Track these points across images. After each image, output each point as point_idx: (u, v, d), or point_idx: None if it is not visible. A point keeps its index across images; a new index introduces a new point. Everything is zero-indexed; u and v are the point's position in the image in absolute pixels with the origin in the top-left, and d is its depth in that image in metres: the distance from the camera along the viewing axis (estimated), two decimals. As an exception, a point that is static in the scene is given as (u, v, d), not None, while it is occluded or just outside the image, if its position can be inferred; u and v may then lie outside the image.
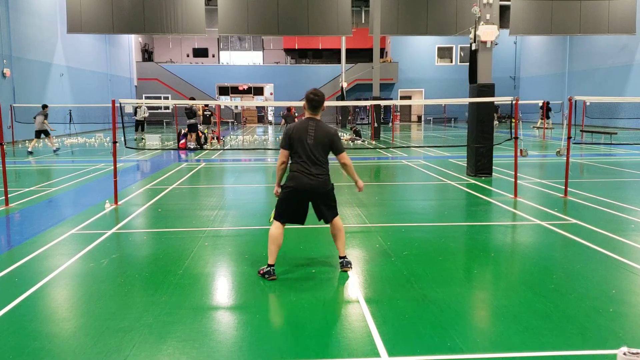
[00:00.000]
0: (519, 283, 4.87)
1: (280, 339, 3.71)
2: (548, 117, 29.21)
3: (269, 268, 5.00)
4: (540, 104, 26.25)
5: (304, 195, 5.00)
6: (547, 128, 25.21)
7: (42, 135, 17.74)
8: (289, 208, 5.03)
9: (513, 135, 9.27)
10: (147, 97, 39.58)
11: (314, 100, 4.97)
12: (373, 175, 12.11)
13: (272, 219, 5.18)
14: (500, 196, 9.16)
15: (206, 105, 20.38)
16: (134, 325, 3.92)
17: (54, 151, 17.65)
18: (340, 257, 5.25)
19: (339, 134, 5.11)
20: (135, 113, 25.68)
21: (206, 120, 20.38)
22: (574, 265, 5.32)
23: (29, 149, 17.40)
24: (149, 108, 37.56)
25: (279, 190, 5.15)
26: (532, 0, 23.19)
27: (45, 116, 17.90)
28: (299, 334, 3.78)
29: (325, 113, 40.81)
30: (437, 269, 5.23)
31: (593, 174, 11.99)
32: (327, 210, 5.14)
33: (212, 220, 7.50)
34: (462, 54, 40.99)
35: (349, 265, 5.22)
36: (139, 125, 24.68)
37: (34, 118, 17.94)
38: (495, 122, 30.51)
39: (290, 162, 5.06)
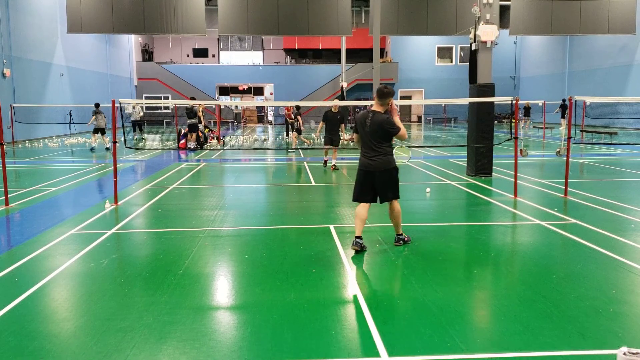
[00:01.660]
0: (519, 283, 4.87)
1: (280, 339, 3.71)
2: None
3: (354, 239, 5.84)
4: (540, 104, 26.29)
5: (367, 175, 5.81)
6: (544, 128, 25.20)
7: (99, 133, 18.22)
8: (357, 187, 5.94)
9: (513, 135, 9.27)
10: (147, 97, 39.59)
11: (379, 91, 5.75)
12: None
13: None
14: (500, 196, 9.16)
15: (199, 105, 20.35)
16: (134, 325, 3.92)
17: (107, 149, 18.14)
18: (397, 235, 6.11)
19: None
20: (131, 114, 25.62)
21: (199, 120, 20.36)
22: (574, 265, 5.32)
23: (94, 145, 18.06)
24: (149, 108, 37.69)
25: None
26: (532, 0, 23.19)
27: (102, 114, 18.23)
28: (299, 334, 3.78)
29: (325, 113, 40.81)
30: (437, 269, 5.23)
31: (593, 174, 11.98)
32: (387, 190, 5.85)
33: (212, 220, 7.50)
34: (462, 54, 40.99)
35: (400, 242, 6.05)
36: (136, 126, 24.67)
37: (94, 117, 18.15)
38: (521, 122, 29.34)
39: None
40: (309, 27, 21.66)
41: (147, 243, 6.43)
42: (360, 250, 5.82)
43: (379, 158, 5.73)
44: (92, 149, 17.98)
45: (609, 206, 8.18)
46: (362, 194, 5.88)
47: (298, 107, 19.05)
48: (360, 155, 5.88)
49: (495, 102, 11.56)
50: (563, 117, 27.38)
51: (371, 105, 5.88)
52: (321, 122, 12.78)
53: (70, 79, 27.80)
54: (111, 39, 33.95)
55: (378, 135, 5.68)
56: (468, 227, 7.21)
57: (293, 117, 19.70)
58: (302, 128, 19.05)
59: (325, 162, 13.20)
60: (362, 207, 5.88)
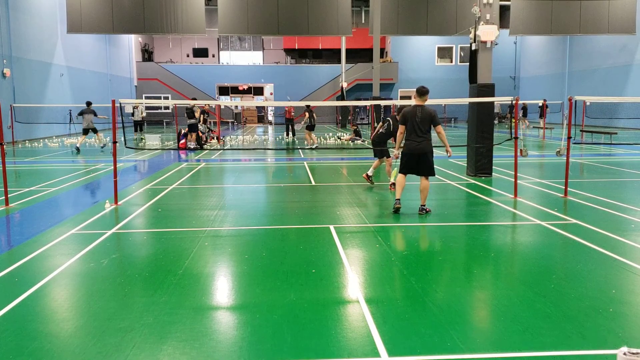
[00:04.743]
0: (519, 283, 4.87)
1: (280, 339, 3.71)
2: (525, 116, 29.68)
3: (395, 201, 7.67)
4: (540, 104, 26.31)
5: (413, 156, 7.46)
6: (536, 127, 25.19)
7: (90, 133, 18.11)
8: (405, 164, 7.57)
9: (513, 135, 9.27)
10: (147, 97, 39.59)
11: (421, 91, 7.51)
12: (373, 175, 12.08)
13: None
14: (500, 196, 9.16)
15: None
16: (134, 325, 3.92)
17: (102, 147, 18.19)
18: (421, 205, 7.65)
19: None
20: (133, 114, 25.60)
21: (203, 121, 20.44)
22: (574, 265, 5.32)
23: (78, 145, 17.76)
24: (149, 108, 37.69)
25: (399, 153, 7.75)
26: (532, 0, 23.19)
27: (94, 113, 17.88)
28: (299, 334, 3.78)
29: (325, 113, 40.86)
30: (437, 269, 5.23)
31: (593, 174, 11.98)
32: (425, 168, 7.49)
33: (212, 220, 7.50)
34: (462, 54, 40.98)
35: (423, 211, 7.58)
36: (137, 126, 24.71)
37: (82, 116, 17.91)
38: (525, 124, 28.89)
39: (405, 134, 7.54)
40: (309, 27, 21.66)
41: (147, 243, 6.43)
42: (398, 208, 7.54)
43: (424, 143, 7.37)
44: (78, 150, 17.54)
45: (609, 206, 8.18)
46: (405, 169, 7.60)
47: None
48: (407, 141, 7.43)
49: (495, 102, 11.56)
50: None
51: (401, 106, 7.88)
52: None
53: (70, 79, 27.79)
54: (111, 39, 33.93)
55: (427, 123, 7.35)
56: (468, 227, 7.21)
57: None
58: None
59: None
60: (402, 177, 7.66)
